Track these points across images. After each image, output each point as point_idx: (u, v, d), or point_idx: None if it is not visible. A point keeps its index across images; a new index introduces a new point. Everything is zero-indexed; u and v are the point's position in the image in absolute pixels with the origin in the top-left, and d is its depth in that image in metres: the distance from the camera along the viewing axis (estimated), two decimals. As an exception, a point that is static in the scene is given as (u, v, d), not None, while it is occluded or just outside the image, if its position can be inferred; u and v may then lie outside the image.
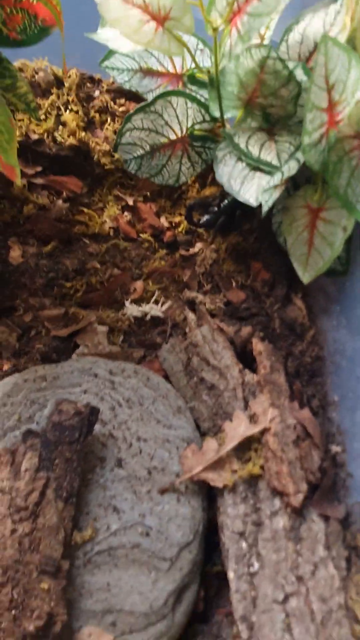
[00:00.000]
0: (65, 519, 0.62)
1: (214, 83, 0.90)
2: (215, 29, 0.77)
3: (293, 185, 0.93)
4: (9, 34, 0.83)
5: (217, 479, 0.70)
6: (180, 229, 0.99)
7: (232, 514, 0.69)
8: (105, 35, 0.88)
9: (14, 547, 0.59)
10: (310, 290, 0.89)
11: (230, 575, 0.66)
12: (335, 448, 0.77)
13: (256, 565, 0.66)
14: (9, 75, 0.85)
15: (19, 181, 0.67)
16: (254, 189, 0.83)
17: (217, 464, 0.71)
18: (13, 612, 0.57)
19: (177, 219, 1.00)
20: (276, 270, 0.92)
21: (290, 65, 0.81)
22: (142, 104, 0.94)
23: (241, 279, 0.94)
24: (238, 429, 0.73)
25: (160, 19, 0.79)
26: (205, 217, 0.96)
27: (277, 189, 0.80)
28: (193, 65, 0.99)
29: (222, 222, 0.97)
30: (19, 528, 0.60)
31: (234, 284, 0.93)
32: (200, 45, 0.97)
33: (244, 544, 0.67)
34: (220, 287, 0.92)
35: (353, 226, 0.78)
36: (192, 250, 0.97)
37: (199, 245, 0.97)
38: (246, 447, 0.73)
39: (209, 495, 0.73)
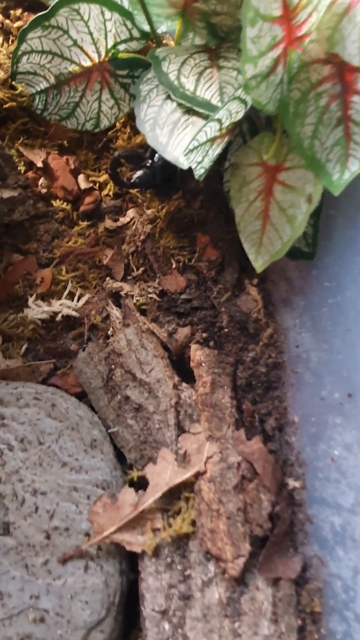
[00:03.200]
0: None
1: (129, -20, 0.63)
2: None
3: (250, 129, 0.69)
4: None
5: (135, 542, 0.55)
6: (106, 191, 0.77)
7: (154, 587, 0.54)
8: None
9: None
10: (268, 273, 0.69)
11: (149, 664, 0.52)
12: (292, 482, 0.61)
13: (182, 651, 0.52)
14: None
15: None
16: (186, 142, 0.59)
17: (135, 522, 0.56)
18: None
19: (102, 178, 0.77)
20: (227, 248, 0.70)
21: None
22: (39, 14, 0.67)
23: (184, 257, 0.73)
24: (163, 474, 0.57)
25: None
26: (137, 174, 0.73)
27: (215, 144, 0.57)
28: None
29: (161, 179, 0.74)
30: None
31: (173, 264, 0.72)
32: None
33: (166, 626, 0.53)
34: (155, 270, 0.71)
35: (320, 196, 0.56)
36: (122, 221, 0.75)
37: (131, 214, 0.75)
38: (175, 495, 0.57)
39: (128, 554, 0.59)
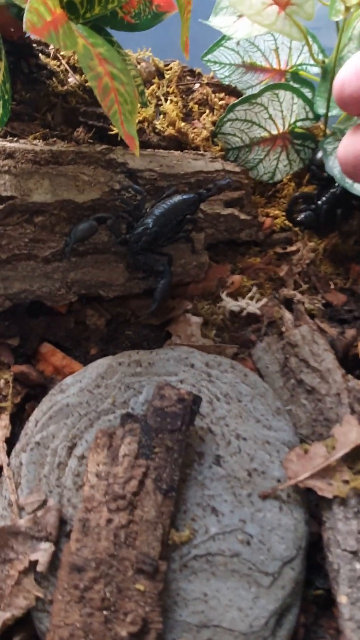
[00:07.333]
0: (164, 513, 0.56)
1: (327, 75, 0.86)
2: (347, 9, 0.74)
3: None
4: (124, 17, 0.82)
5: (326, 489, 0.63)
6: (275, 227, 0.95)
7: (344, 530, 0.61)
8: (219, 22, 0.86)
9: (109, 539, 0.53)
10: None
11: (342, 599, 0.57)
12: None
13: (373, 591, 0.57)
14: (121, 58, 0.84)
15: (137, 152, 0.64)
16: (369, 182, 0.77)
17: (325, 472, 0.64)
18: (105, 612, 0.51)
19: (270, 217, 0.95)
20: (380, 275, 0.85)
21: None
22: (248, 94, 0.91)
23: (340, 282, 0.88)
24: (349, 434, 0.66)
25: (282, 4, 0.77)
26: (303, 215, 0.91)
27: None
28: (298, 62, 0.96)
29: (322, 221, 0.92)
30: (115, 518, 0.54)
31: (332, 286, 0.87)
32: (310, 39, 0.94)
33: (358, 565, 0.59)
34: (317, 288, 0.86)
35: None
36: (289, 249, 0.91)
37: (298, 244, 0.92)
38: (357, 457, 0.66)
39: (310, 508, 0.66)
